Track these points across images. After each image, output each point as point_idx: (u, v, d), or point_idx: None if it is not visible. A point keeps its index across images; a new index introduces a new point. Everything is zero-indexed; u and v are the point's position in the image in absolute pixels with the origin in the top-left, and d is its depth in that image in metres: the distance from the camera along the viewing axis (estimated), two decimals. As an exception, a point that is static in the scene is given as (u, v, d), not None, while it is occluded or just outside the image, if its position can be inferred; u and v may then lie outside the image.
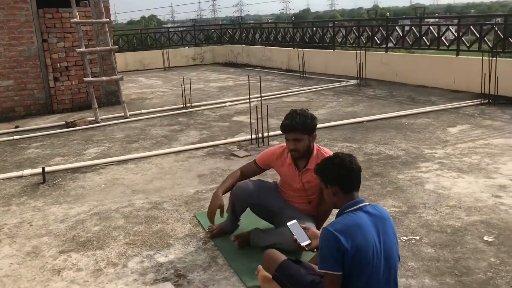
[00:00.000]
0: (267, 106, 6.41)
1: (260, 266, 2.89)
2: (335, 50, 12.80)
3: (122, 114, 8.41)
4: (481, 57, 8.07)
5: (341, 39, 12.75)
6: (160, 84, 12.69)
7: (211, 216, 3.37)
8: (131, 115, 8.47)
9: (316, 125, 3.26)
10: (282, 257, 2.77)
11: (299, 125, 3.18)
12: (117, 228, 3.93)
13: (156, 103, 9.75)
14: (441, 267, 3.08)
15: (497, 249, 3.26)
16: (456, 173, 4.78)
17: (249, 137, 6.41)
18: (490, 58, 7.83)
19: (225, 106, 9.12)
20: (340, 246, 2.19)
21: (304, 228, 2.80)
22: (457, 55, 9.57)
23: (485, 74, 7.89)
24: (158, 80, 13.55)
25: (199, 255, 3.41)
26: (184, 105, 8.99)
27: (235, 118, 8.01)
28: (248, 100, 9.34)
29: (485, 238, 3.42)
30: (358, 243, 2.21)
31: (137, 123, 8.02)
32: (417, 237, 3.49)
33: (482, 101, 8.01)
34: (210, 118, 8.11)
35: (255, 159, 3.57)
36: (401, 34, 10.70)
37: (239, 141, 6.44)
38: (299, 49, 12.92)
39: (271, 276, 2.74)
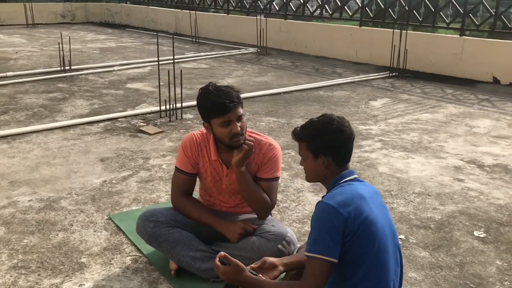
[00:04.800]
0: (181, 71, 5.35)
1: None
2: (230, 15, 11.89)
3: (-20, 77, 6.65)
4: (392, 30, 7.84)
5: (236, 3, 11.84)
6: (25, 43, 10.64)
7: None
8: (-7, 79, 6.75)
9: None
10: None
11: (238, 97, 2.32)
12: (-4, 242, 2.72)
13: (24, 65, 7.99)
14: (448, 277, 2.50)
15: (496, 247, 2.79)
16: (404, 153, 4.32)
17: (156, 108, 5.32)
18: (401, 30, 7.62)
19: (114, 70, 7.77)
20: (343, 223, 1.71)
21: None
22: (360, 25, 9.32)
23: (394, 46, 7.66)
24: (22, 38, 11.40)
25: (131, 281, 2.41)
26: (63, 68, 7.44)
27: (129, 85, 6.77)
28: (140, 65, 8.17)
29: (475, 233, 2.93)
30: (365, 215, 1.74)
31: (3, 89, 6.36)
32: (402, 236, 2.88)
33: (390, 74, 7.81)
34: (98, 85, 6.76)
35: (175, 166, 2.55)
36: (302, 1, 10.16)
37: (144, 114, 5.32)
38: (191, 11, 11.74)
39: None
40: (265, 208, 2.47)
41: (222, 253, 1.94)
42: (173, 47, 5.36)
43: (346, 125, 1.89)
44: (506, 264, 2.62)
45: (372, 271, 1.72)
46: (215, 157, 2.45)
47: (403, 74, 7.75)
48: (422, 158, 4.20)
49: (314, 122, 1.92)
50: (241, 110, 2.33)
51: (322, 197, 1.92)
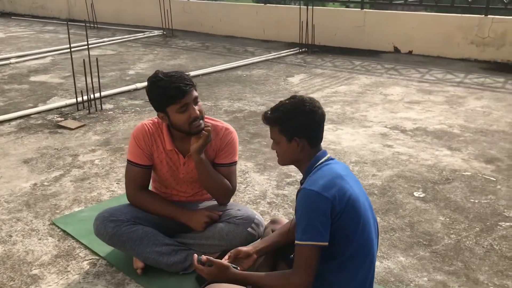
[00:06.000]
0: (96, 58, 5.00)
1: None
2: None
3: None
4: (298, 6, 8.00)
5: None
6: None
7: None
8: None
9: None
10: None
11: (190, 79, 2.25)
12: None
13: None
14: (402, 237, 2.66)
15: (436, 205, 3.01)
16: (332, 125, 4.48)
17: (72, 101, 4.97)
18: (307, 6, 7.81)
19: (11, 63, 7.11)
20: (329, 206, 1.71)
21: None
22: (265, 3, 9.39)
23: (302, 22, 7.85)
24: None
25: (94, 286, 2.27)
26: (-51, 64, 6.67)
27: (33, 79, 6.25)
28: (39, 56, 7.57)
29: (415, 194, 3.15)
30: (349, 194, 1.76)
31: None
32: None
33: (300, 50, 8.01)
34: (-3, 80, 6.16)
35: (128, 159, 2.41)
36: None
37: (59, 108, 4.95)
38: (85, -6, 11.02)
39: None
40: (226, 194, 2.43)
41: (204, 257, 1.88)
42: (86, 33, 4.99)
43: (318, 105, 1.88)
44: (448, 219, 2.85)
45: (360, 249, 1.77)
46: (171, 146, 2.36)
47: (312, 49, 7.98)
48: (350, 129, 4.39)
49: (285, 104, 1.88)
50: (196, 93, 2.26)
51: (301, 183, 1.91)
